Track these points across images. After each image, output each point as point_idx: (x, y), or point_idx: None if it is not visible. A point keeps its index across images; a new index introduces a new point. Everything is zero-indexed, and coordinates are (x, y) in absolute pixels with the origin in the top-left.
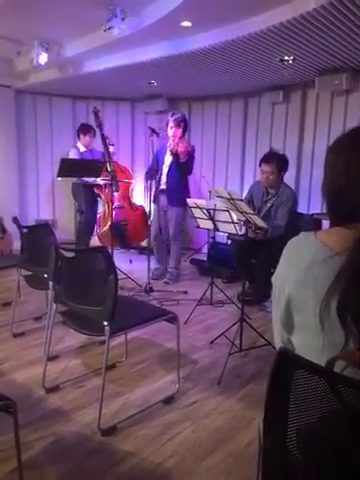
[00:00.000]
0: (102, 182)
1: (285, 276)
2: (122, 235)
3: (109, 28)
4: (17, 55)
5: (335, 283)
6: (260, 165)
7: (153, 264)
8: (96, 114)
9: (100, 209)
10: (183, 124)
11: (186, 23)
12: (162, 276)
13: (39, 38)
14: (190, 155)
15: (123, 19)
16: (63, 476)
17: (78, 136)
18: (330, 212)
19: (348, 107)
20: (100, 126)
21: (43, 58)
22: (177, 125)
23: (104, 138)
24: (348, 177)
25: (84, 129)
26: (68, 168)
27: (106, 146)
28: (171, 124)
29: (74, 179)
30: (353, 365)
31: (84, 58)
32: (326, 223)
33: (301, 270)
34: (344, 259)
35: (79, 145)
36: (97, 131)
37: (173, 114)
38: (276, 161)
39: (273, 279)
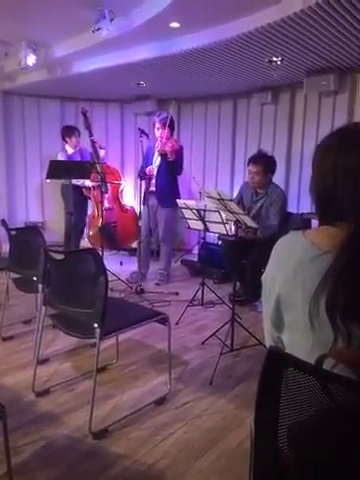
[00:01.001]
0: (91, 184)
1: (274, 275)
2: (112, 236)
3: (97, 29)
4: (4, 56)
5: (323, 282)
6: (248, 165)
7: (135, 267)
8: (85, 115)
9: (89, 211)
10: (170, 124)
11: (174, 24)
12: (140, 280)
13: (27, 39)
14: (178, 153)
15: (111, 20)
16: None
17: (64, 140)
18: (318, 211)
19: (336, 108)
20: (89, 127)
21: (31, 59)
22: (163, 125)
23: (92, 140)
24: (335, 176)
25: (68, 132)
26: (57, 170)
27: (94, 148)
28: (157, 125)
29: (63, 180)
30: (342, 362)
31: (72, 59)
32: (315, 223)
33: (290, 269)
34: (332, 258)
35: (67, 148)
36: (86, 132)
37: (159, 115)
38: (263, 162)
39: (263, 278)
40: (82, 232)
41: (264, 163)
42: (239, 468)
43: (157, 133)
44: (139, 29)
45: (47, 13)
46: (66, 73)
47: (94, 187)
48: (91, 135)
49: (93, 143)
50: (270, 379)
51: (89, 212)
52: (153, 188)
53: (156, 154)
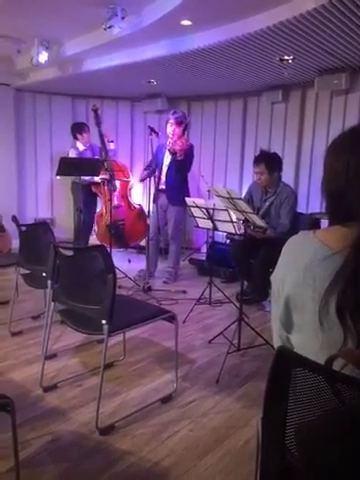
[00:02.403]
0: (99, 179)
1: (284, 275)
2: (119, 234)
3: (109, 27)
4: (17, 53)
5: (334, 282)
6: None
7: (143, 265)
8: (96, 112)
9: (98, 208)
10: (184, 123)
11: (186, 22)
12: (148, 278)
13: (39, 37)
14: (188, 153)
15: (123, 18)
16: (60, 475)
17: (75, 137)
18: (329, 212)
19: (347, 107)
20: (99, 124)
21: (43, 57)
22: (178, 123)
23: (102, 136)
24: (347, 177)
25: (79, 129)
26: (67, 166)
27: (104, 144)
28: (171, 121)
29: (73, 177)
30: (352, 363)
31: (84, 57)
32: (325, 223)
33: (300, 269)
34: (343, 258)
35: (78, 144)
36: (96, 129)
37: (175, 112)
38: (264, 161)
39: (272, 278)
40: (91, 229)
41: (266, 161)
42: (245, 467)
43: (169, 129)
44: (150, 27)
45: (59, 11)
46: (77, 70)
47: (103, 182)
48: (100, 131)
49: (101, 136)
50: (278, 379)
51: (98, 209)
52: (163, 186)
53: (167, 152)
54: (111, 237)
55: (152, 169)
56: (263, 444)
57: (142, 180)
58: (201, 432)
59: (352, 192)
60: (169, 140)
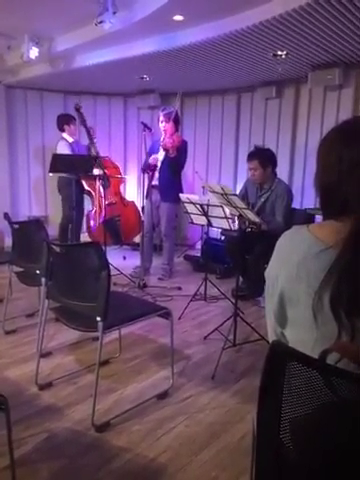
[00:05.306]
0: (96, 173)
1: (278, 270)
2: (116, 231)
3: (100, 22)
4: (7, 50)
5: (328, 276)
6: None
7: (138, 261)
8: (78, 110)
9: (89, 206)
10: (174, 118)
11: (178, 17)
12: (143, 275)
13: (29, 32)
14: (180, 150)
15: (114, 13)
16: (57, 473)
17: (62, 129)
18: (322, 205)
19: (340, 102)
20: (84, 122)
21: (34, 53)
22: (167, 120)
23: (90, 134)
24: (340, 170)
25: (68, 120)
26: (60, 163)
27: (92, 141)
28: (162, 118)
29: (65, 174)
30: (346, 356)
31: (75, 52)
32: (319, 218)
33: (294, 264)
34: (336, 252)
35: (66, 136)
36: (82, 128)
37: (164, 109)
38: (258, 156)
39: (266, 273)
40: (81, 226)
41: (259, 157)
42: (241, 462)
43: (161, 126)
44: (142, 22)
45: (50, 6)
46: (69, 67)
47: (99, 179)
48: (87, 128)
49: (89, 134)
50: (273, 373)
51: (92, 207)
52: (156, 182)
53: (160, 148)
54: (107, 234)
55: (146, 168)
56: (258, 439)
57: (144, 170)
58: (197, 428)
59: (345, 185)
60: (163, 136)
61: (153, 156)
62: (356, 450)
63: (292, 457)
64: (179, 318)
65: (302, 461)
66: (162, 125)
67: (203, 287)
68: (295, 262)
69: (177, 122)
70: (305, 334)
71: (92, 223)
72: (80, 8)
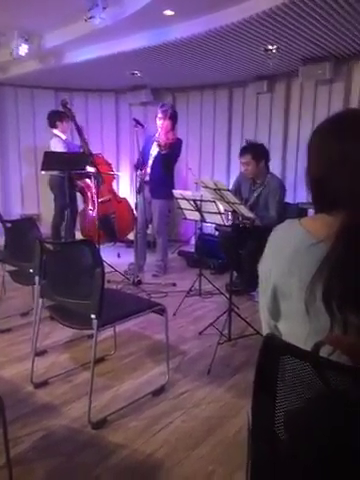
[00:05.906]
0: (90, 170)
1: (270, 264)
2: (111, 227)
3: (90, 18)
4: None
5: (319, 270)
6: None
7: (132, 258)
8: (65, 106)
9: (82, 204)
10: (172, 115)
11: (169, 12)
12: (137, 272)
13: (19, 29)
14: (173, 148)
15: (104, 8)
16: (54, 470)
17: (53, 125)
18: (314, 199)
19: (331, 96)
20: (73, 118)
21: (23, 49)
22: (165, 116)
23: (80, 130)
24: (331, 163)
25: (61, 116)
26: (52, 161)
27: (83, 138)
28: (160, 115)
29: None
30: (339, 349)
31: (65, 49)
32: (312, 213)
33: (286, 258)
34: (328, 246)
35: (59, 133)
36: (72, 124)
37: (162, 105)
38: (250, 152)
39: (259, 267)
40: (75, 224)
41: (251, 152)
42: (237, 456)
43: (158, 123)
44: (133, 17)
45: (39, 2)
46: (59, 63)
47: (93, 176)
48: (76, 124)
49: (79, 129)
50: (267, 366)
51: (85, 205)
52: (147, 178)
53: (154, 144)
54: (102, 231)
55: (139, 165)
56: (253, 432)
57: (136, 167)
58: (193, 423)
59: (336, 179)
60: (158, 133)
61: (144, 169)
62: (348, 441)
63: (286, 450)
64: (174, 314)
65: (296, 453)
66: (159, 122)
67: (197, 283)
68: (287, 256)
69: (174, 120)
70: (298, 327)
71: (86, 221)
72: (70, 4)
